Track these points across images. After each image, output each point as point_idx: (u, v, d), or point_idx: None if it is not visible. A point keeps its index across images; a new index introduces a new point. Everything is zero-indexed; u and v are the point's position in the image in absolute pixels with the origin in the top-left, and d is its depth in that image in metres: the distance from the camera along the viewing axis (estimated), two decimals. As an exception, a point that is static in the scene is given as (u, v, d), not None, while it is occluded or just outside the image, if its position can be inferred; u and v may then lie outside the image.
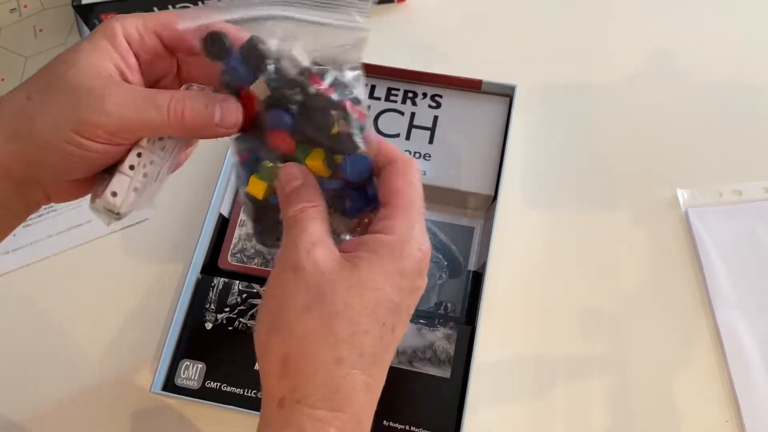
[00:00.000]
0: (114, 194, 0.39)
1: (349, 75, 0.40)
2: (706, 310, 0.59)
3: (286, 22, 0.40)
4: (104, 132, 0.36)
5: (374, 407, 0.35)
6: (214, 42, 0.39)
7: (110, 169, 0.40)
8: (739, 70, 0.70)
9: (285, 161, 0.40)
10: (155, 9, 0.71)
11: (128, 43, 0.38)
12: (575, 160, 0.66)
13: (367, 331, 0.34)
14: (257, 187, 0.41)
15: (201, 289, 0.58)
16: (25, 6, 0.76)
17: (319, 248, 0.35)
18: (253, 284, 0.59)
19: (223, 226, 0.62)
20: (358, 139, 0.38)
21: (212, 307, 0.58)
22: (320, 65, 0.39)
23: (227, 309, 0.58)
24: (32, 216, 0.65)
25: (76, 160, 0.37)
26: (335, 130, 0.38)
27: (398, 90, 0.65)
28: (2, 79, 0.72)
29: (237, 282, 0.59)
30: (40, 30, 0.75)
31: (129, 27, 0.38)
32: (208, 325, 0.57)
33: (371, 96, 0.65)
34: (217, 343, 0.57)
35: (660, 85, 0.69)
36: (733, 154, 0.66)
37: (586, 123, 0.68)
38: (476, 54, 0.72)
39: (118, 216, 0.41)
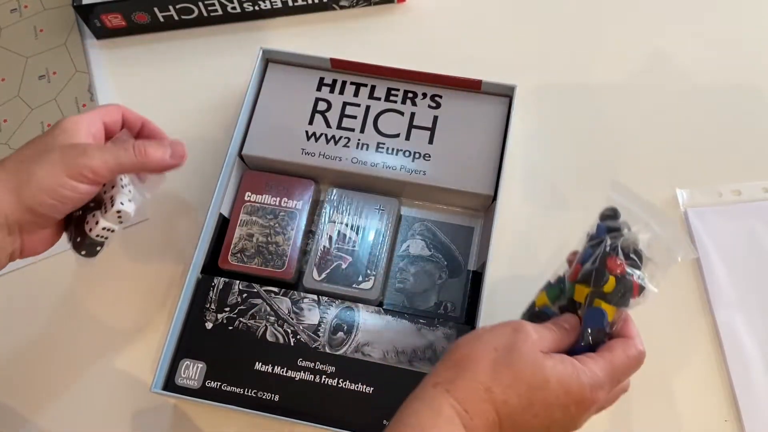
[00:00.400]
0: (122, 204, 0.50)
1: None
2: (705, 309, 0.59)
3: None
4: (90, 172, 0.46)
5: None
6: (611, 215, 0.52)
7: (81, 210, 0.51)
8: (738, 70, 0.70)
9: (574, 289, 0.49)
10: (156, 9, 0.71)
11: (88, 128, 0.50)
12: (575, 160, 0.66)
13: (523, 406, 0.43)
14: (540, 298, 0.51)
15: (201, 289, 0.58)
16: (26, 6, 0.76)
17: (538, 332, 0.45)
18: (254, 284, 0.59)
19: (223, 226, 0.62)
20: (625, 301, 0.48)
21: (213, 306, 0.58)
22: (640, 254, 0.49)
23: (227, 309, 0.58)
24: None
25: (66, 200, 0.47)
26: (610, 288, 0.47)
27: (398, 90, 0.65)
28: (2, 79, 0.72)
29: (237, 282, 0.59)
30: (41, 30, 0.75)
31: (86, 122, 0.50)
32: (209, 325, 0.57)
33: (371, 96, 0.65)
34: (218, 343, 0.57)
35: (660, 86, 0.70)
36: (732, 154, 0.66)
37: (585, 123, 0.68)
38: (476, 54, 0.72)
39: (105, 239, 0.52)
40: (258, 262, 0.60)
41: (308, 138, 0.63)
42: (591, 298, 0.47)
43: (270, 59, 0.67)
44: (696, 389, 0.57)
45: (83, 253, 0.52)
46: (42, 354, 0.61)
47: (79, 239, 0.52)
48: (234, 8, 0.72)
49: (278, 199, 0.62)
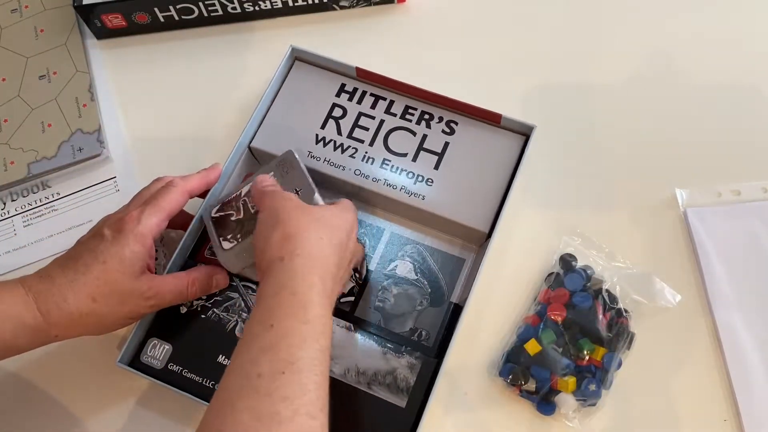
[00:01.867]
0: None
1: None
2: (705, 309, 0.59)
3: None
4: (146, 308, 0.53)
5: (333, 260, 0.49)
6: (566, 261, 0.61)
7: None
8: (738, 70, 0.70)
9: (558, 336, 0.57)
10: (156, 9, 0.71)
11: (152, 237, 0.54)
12: (574, 161, 0.66)
13: (339, 238, 0.51)
14: (532, 346, 0.57)
15: None
16: (26, 6, 0.77)
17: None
18: (234, 278, 0.59)
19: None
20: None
21: None
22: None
23: (203, 297, 0.58)
24: (32, 216, 0.66)
25: (93, 322, 0.52)
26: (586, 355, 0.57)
27: (415, 109, 0.64)
28: (3, 79, 0.73)
29: None
30: (41, 30, 0.75)
31: (152, 226, 0.53)
32: (183, 309, 0.58)
33: (387, 111, 0.65)
34: (188, 329, 0.57)
35: (659, 86, 0.70)
36: (732, 154, 0.66)
37: (585, 124, 0.68)
38: (475, 54, 0.72)
39: None
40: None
41: (317, 142, 0.63)
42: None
43: (298, 58, 0.67)
44: (695, 389, 0.57)
45: None
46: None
47: None
48: (234, 8, 0.73)
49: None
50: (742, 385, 0.56)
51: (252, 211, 0.56)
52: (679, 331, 0.59)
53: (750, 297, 0.59)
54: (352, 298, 0.59)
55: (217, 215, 0.58)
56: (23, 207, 0.68)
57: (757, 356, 0.57)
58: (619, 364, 0.57)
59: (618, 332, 0.57)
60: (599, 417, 0.56)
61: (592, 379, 0.55)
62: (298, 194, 0.55)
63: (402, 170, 0.62)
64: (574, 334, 0.57)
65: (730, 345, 0.57)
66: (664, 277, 0.59)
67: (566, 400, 0.55)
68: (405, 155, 0.63)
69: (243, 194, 0.58)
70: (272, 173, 0.58)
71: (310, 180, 0.57)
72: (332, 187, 0.63)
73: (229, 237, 0.56)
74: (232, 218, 0.57)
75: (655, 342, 0.58)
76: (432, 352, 0.57)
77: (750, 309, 0.59)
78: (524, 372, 0.56)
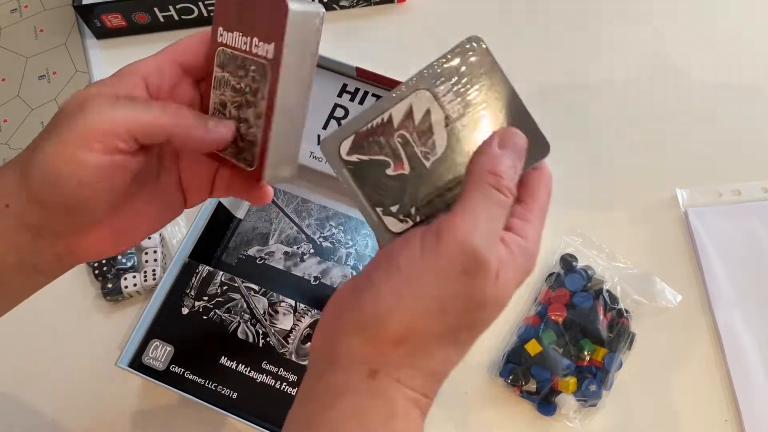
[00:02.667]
0: (125, 287, 0.58)
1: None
2: (705, 309, 0.59)
3: None
4: (98, 138, 0.33)
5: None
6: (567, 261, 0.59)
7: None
8: (739, 70, 0.70)
9: (559, 336, 0.56)
10: (156, 9, 0.71)
11: (147, 85, 0.38)
12: (575, 161, 0.66)
13: (477, 335, 0.35)
14: (533, 347, 0.55)
15: (185, 273, 0.59)
16: (26, 6, 0.76)
17: (497, 253, 0.33)
18: (236, 279, 0.59)
19: (221, 214, 0.62)
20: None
21: (192, 293, 0.58)
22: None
23: (206, 298, 0.58)
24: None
25: (78, 183, 0.33)
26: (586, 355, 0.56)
27: None
28: (3, 80, 0.73)
29: (221, 273, 0.59)
30: (41, 30, 0.75)
31: (148, 69, 0.38)
32: (185, 311, 0.58)
33: None
34: (190, 330, 0.57)
35: (659, 86, 0.69)
36: (732, 154, 0.66)
37: (585, 124, 0.68)
38: (476, 54, 0.72)
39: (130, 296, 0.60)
40: (230, 151, 0.39)
41: (319, 142, 0.63)
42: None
43: None
44: (696, 389, 0.57)
45: (107, 298, 0.60)
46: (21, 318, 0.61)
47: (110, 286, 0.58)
48: (234, 8, 0.72)
49: (248, 39, 0.37)
50: (743, 386, 0.56)
51: (428, 166, 0.35)
52: (680, 332, 0.59)
53: (750, 297, 0.59)
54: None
55: (355, 159, 0.36)
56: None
57: (758, 356, 0.57)
58: (620, 365, 0.57)
59: (619, 332, 0.57)
60: (600, 418, 0.56)
61: (592, 380, 0.55)
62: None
63: None
64: (575, 335, 0.57)
65: (730, 345, 0.57)
66: (665, 278, 0.59)
67: (567, 401, 0.55)
68: None
69: (414, 121, 0.36)
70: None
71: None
72: (334, 188, 0.63)
73: (394, 209, 0.36)
74: (390, 171, 0.36)
75: (656, 342, 0.58)
76: None
77: (751, 309, 0.59)
78: (525, 372, 0.55)
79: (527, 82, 0.70)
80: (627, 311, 0.58)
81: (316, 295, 0.59)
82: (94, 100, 0.34)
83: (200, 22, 0.74)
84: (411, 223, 0.36)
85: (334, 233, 0.62)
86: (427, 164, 0.35)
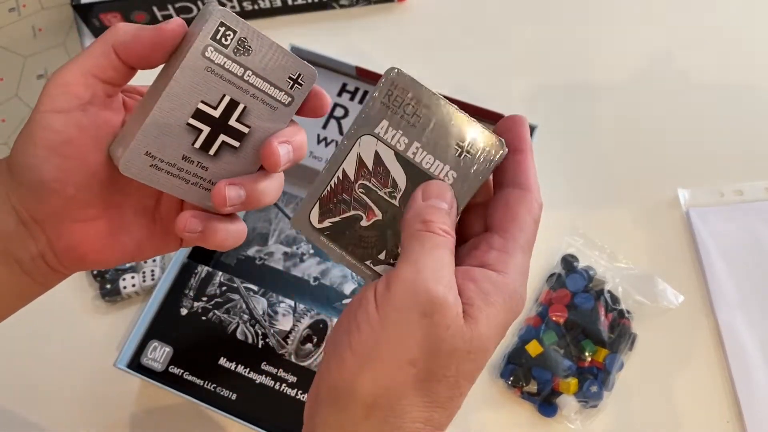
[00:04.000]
0: (124, 288, 0.56)
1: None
2: (707, 310, 0.59)
3: None
4: (61, 88, 0.33)
5: None
6: (568, 262, 0.60)
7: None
8: (741, 70, 0.69)
9: (560, 337, 0.56)
10: (154, 9, 0.71)
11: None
12: (576, 161, 0.66)
13: (462, 393, 0.33)
14: (534, 348, 0.56)
15: (184, 274, 0.58)
16: (24, 6, 0.76)
17: (453, 289, 0.31)
18: (235, 279, 0.58)
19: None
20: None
21: (191, 293, 0.58)
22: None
23: (205, 298, 0.58)
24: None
25: (50, 148, 0.33)
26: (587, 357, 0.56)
27: None
28: (1, 79, 0.72)
29: (220, 273, 0.59)
30: (40, 29, 0.75)
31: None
32: (183, 311, 0.57)
33: None
34: (188, 331, 0.57)
35: (661, 86, 0.69)
36: (734, 154, 0.65)
37: (586, 124, 0.68)
38: (475, 54, 0.72)
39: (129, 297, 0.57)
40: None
41: (318, 142, 0.63)
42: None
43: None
44: (697, 390, 0.56)
45: (106, 298, 0.60)
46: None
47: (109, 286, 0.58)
48: (233, 7, 0.72)
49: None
50: (745, 387, 0.56)
51: (397, 204, 0.36)
52: (682, 332, 0.58)
53: (753, 297, 0.59)
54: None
55: (327, 224, 0.37)
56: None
57: (760, 357, 0.56)
58: (621, 366, 0.56)
59: (620, 333, 0.57)
60: (601, 419, 0.56)
61: (593, 381, 0.55)
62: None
63: None
64: (576, 335, 0.56)
65: (732, 346, 0.57)
66: (667, 278, 0.59)
67: (568, 402, 0.55)
68: None
69: (368, 167, 0.36)
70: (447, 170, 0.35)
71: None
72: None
73: (382, 257, 0.36)
74: (364, 223, 0.36)
75: (658, 343, 0.58)
76: None
77: (753, 309, 0.58)
78: (525, 373, 0.55)
79: (527, 82, 0.70)
80: (628, 312, 0.58)
81: (315, 296, 0.59)
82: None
83: (199, 21, 0.73)
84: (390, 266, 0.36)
85: (333, 233, 0.62)
86: (396, 202, 0.36)
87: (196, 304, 0.58)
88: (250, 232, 0.62)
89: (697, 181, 0.64)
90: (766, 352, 0.57)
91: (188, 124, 0.36)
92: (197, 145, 0.36)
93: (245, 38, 0.35)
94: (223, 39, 0.35)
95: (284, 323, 0.57)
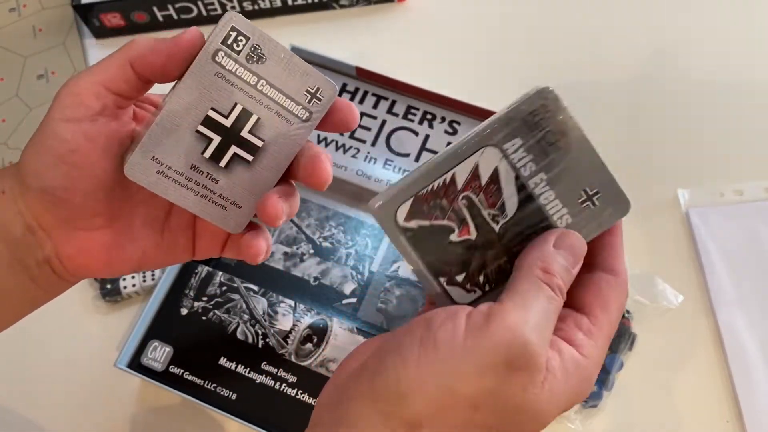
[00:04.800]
0: (125, 287, 0.57)
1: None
2: (707, 309, 0.59)
3: None
4: (75, 99, 0.34)
5: None
6: None
7: None
8: (739, 69, 0.69)
9: None
10: (155, 8, 0.71)
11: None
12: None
13: None
14: None
15: (184, 274, 0.58)
16: (24, 6, 0.76)
17: (547, 353, 0.30)
18: (235, 279, 0.58)
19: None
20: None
21: (191, 293, 0.58)
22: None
23: (205, 298, 0.58)
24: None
25: (61, 157, 0.34)
26: None
27: (417, 109, 0.64)
28: (1, 79, 0.72)
29: (220, 273, 0.59)
30: (40, 30, 0.75)
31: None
32: (183, 311, 0.57)
33: (389, 111, 0.64)
34: (189, 331, 0.57)
35: (661, 85, 0.69)
36: (734, 153, 0.65)
37: (586, 123, 0.68)
38: (476, 54, 0.72)
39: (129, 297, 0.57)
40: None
41: (318, 142, 0.63)
42: None
43: None
44: (697, 390, 0.56)
45: (106, 298, 0.59)
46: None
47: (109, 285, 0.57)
48: (233, 7, 0.72)
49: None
50: (745, 387, 0.56)
51: (496, 230, 0.33)
52: (681, 332, 0.58)
53: (753, 297, 0.59)
54: (354, 300, 0.59)
55: (414, 225, 0.33)
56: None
57: (760, 357, 0.57)
58: (621, 366, 0.56)
59: (620, 333, 0.57)
60: (601, 418, 0.56)
61: (593, 381, 0.55)
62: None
63: (405, 171, 0.62)
64: (576, 335, 0.56)
65: (732, 346, 0.57)
66: (666, 278, 0.59)
67: (568, 402, 0.55)
68: (407, 155, 0.62)
69: (481, 181, 0.33)
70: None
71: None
72: (334, 188, 0.63)
73: (460, 279, 0.33)
74: (454, 237, 0.33)
75: (657, 343, 0.58)
76: None
77: (753, 310, 0.58)
78: None
79: (527, 82, 0.70)
80: (628, 312, 0.58)
81: (315, 296, 0.59)
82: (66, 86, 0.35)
83: (199, 21, 0.73)
84: (480, 293, 0.33)
85: (333, 233, 0.62)
86: (496, 228, 0.33)
87: (196, 303, 0.58)
88: (250, 232, 0.62)
89: (696, 181, 0.64)
90: (766, 352, 0.57)
91: (198, 132, 0.35)
92: (207, 154, 0.35)
93: (258, 45, 0.34)
94: (234, 44, 0.34)
95: (284, 323, 0.57)
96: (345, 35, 0.73)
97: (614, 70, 0.70)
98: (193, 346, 0.56)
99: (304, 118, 0.35)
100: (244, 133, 0.35)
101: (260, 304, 0.58)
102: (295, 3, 0.73)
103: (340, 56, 0.65)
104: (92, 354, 0.59)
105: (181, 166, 0.35)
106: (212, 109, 0.35)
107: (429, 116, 0.64)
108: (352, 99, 0.65)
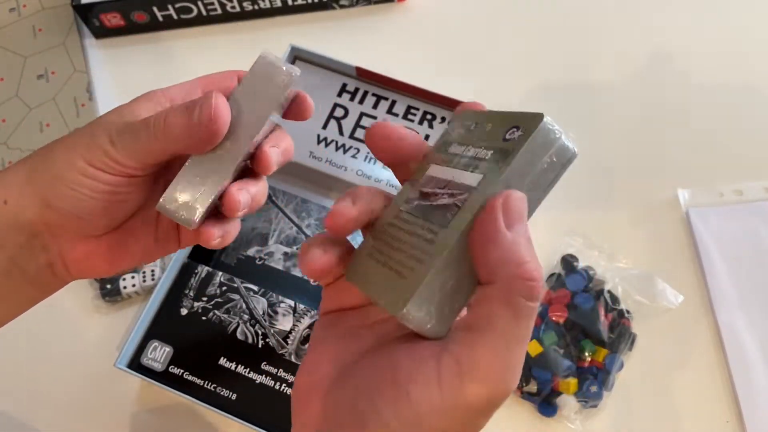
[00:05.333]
0: (124, 288, 0.57)
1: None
2: (707, 310, 0.59)
3: None
4: (110, 159, 0.35)
5: None
6: (567, 262, 0.59)
7: None
8: (739, 70, 0.69)
9: (560, 337, 0.56)
10: (154, 8, 0.71)
11: None
12: (576, 161, 0.66)
13: None
14: (534, 348, 0.56)
15: (184, 274, 0.58)
16: (24, 6, 0.76)
17: None
18: (235, 279, 0.58)
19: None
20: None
21: (191, 293, 0.58)
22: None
23: (205, 299, 0.58)
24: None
25: (87, 193, 0.35)
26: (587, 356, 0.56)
27: (417, 110, 0.64)
28: (1, 79, 0.72)
29: (220, 273, 0.59)
30: (40, 30, 0.75)
31: (176, 91, 0.39)
32: (183, 311, 0.57)
33: (390, 111, 0.64)
34: (189, 331, 0.57)
35: (660, 85, 0.69)
36: (733, 154, 0.65)
37: (586, 124, 0.68)
38: (476, 54, 0.71)
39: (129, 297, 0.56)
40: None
41: (318, 142, 0.63)
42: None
43: (297, 57, 0.67)
44: (697, 390, 0.56)
45: (106, 299, 0.59)
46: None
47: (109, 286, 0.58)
48: (233, 7, 0.72)
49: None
50: (745, 387, 0.56)
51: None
52: (681, 332, 0.58)
53: (752, 297, 0.59)
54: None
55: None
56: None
57: (760, 357, 0.57)
58: (621, 366, 0.56)
59: (620, 333, 0.57)
60: (601, 419, 0.56)
61: (593, 381, 0.55)
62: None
63: None
64: (576, 335, 0.57)
65: (732, 346, 0.57)
66: (666, 278, 0.59)
67: (568, 402, 0.55)
68: None
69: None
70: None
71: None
72: (334, 188, 0.63)
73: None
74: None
75: (657, 343, 0.58)
76: None
77: (752, 309, 0.58)
78: (525, 373, 0.55)
79: (527, 82, 0.70)
80: (628, 312, 0.58)
81: (315, 296, 0.59)
82: (104, 125, 0.36)
83: (199, 21, 0.73)
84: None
85: (333, 233, 0.61)
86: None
87: (196, 304, 0.58)
88: (250, 232, 0.62)
89: (696, 181, 0.64)
90: (766, 352, 0.57)
91: None
92: None
93: None
94: None
95: (284, 323, 0.57)
96: (345, 35, 0.73)
97: (615, 71, 0.70)
98: (193, 346, 0.56)
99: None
100: None
101: (260, 304, 0.58)
102: (295, 3, 0.73)
103: (340, 56, 0.65)
104: (92, 354, 0.59)
105: None
106: None
107: (429, 116, 0.64)
108: (351, 99, 0.65)
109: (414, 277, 0.28)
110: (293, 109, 0.39)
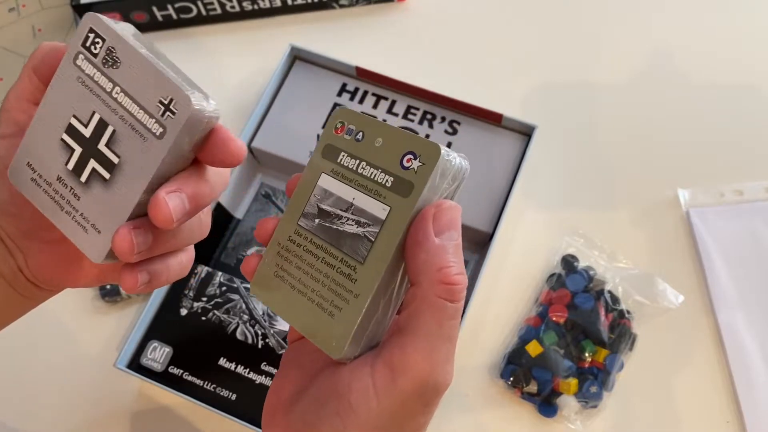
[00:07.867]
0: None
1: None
2: (707, 310, 0.59)
3: None
4: (8, 117, 0.34)
5: None
6: (568, 262, 0.59)
7: None
8: (739, 70, 0.69)
9: (560, 337, 0.56)
10: (154, 8, 0.71)
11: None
12: (576, 161, 0.66)
13: None
14: (534, 348, 0.56)
15: None
16: (24, 6, 0.76)
17: None
18: (235, 279, 0.58)
19: (221, 217, 0.62)
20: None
21: (191, 294, 0.58)
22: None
23: (204, 299, 0.58)
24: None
25: (5, 172, 0.34)
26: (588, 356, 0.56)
27: (418, 109, 0.64)
28: (1, 79, 0.72)
29: (220, 274, 0.59)
30: (39, 30, 0.75)
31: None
32: (183, 312, 0.57)
33: (389, 111, 0.64)
34: (188, 331, 0.57)
35: (661, 86, 0.69)
36: (734, 154, 0.65)
37: (586, 124, 0.68)
38: (475, 54, 0.71)
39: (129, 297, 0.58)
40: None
41: (318, 139, 0.63)
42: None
43: (297, 57, 0.67)
44: (698, 390, 0.56)
45: (106, 299, 0.59)
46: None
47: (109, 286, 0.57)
48: (233, 7, 0.72)
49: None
50: (745, 387, 0.56)
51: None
52: (682, 332, 0.58)
53: (753, 297, 0.59)
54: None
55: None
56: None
57: (760, 357, 0.56)
58: (621, 366, 0.56)
59: (620, 333, 0.57)
60: (601, 419, 0.56)
61: (594, 381, 0.55)
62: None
63: None
64: (576, 336, 0.56)
65: (732, 346, 0.57)
66: (667, 278, 0.59)
67: (568, 402, 0.55)
68: None
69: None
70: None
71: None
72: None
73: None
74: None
75: (658, 343, 0.58)
76: None
77: (753, 310, 0.58)
78: (525, 374, 0.55)
79: (528, 82, 0.70)
80: (628, 312, 0.58)
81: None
82: None
83: (199, 20, 0.73)
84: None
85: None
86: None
87: (195, 304, 0.58)
88: (250, 232, 0.62)
89: (697, 181, 0.64)
90: (766, 352, 0.57)
91: (62, 140, 0.32)
92: (70, 166, 0.32)
93: (113, 48, 0.30)
94: (92, 47, 0.30)
95: (284, 323, 0.57)
96: (345, 35, 0.73)
97: (615, 71, 0.70)
98: (193, 346, 0.56)
99: (157, 134, 0.30)
100: (101, 146, 0.31)
101: (260, 305, 0.57)
102: (295, 3, 0.73)
103: (340, 56, 0.65)
104: (92, 354, 0.59)
105: (49, 176, 0.32)
106: (74, 116, 0.31)
107: (429, 116, 0.64)
108: (351, 99, 0.65)
109: (344, 318, 0.30)
110: (211, 151, 0.32)
